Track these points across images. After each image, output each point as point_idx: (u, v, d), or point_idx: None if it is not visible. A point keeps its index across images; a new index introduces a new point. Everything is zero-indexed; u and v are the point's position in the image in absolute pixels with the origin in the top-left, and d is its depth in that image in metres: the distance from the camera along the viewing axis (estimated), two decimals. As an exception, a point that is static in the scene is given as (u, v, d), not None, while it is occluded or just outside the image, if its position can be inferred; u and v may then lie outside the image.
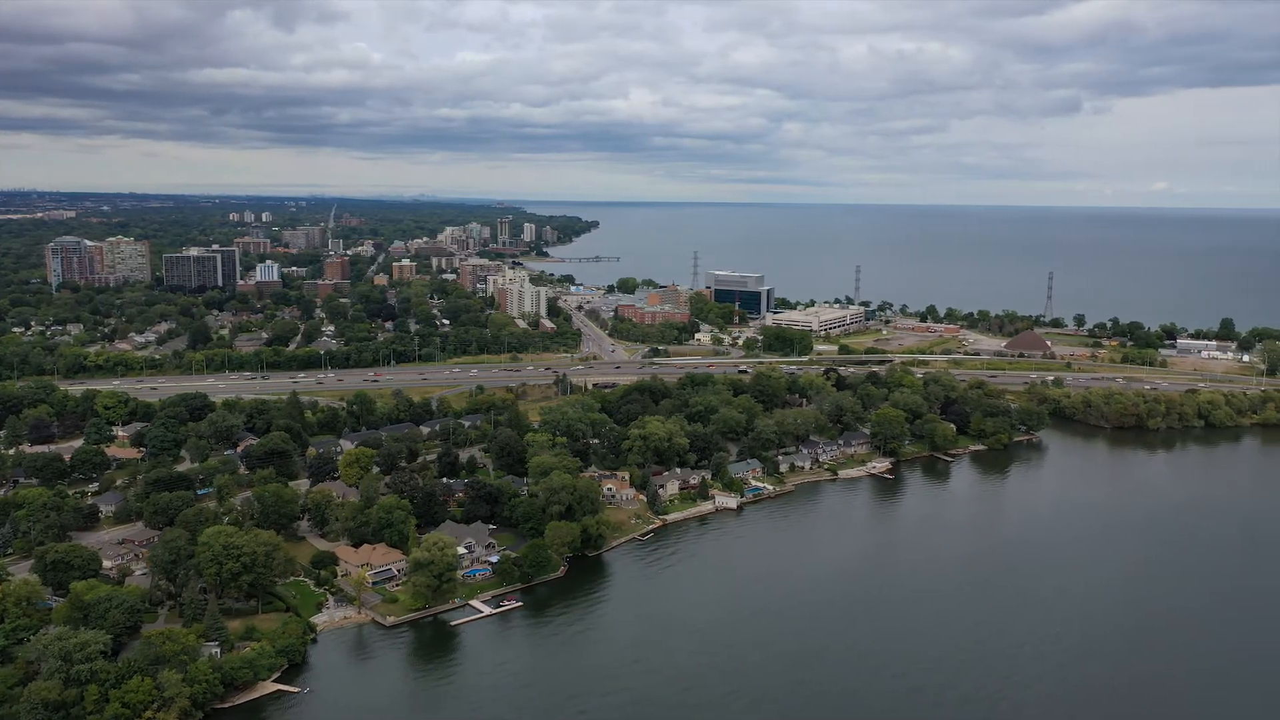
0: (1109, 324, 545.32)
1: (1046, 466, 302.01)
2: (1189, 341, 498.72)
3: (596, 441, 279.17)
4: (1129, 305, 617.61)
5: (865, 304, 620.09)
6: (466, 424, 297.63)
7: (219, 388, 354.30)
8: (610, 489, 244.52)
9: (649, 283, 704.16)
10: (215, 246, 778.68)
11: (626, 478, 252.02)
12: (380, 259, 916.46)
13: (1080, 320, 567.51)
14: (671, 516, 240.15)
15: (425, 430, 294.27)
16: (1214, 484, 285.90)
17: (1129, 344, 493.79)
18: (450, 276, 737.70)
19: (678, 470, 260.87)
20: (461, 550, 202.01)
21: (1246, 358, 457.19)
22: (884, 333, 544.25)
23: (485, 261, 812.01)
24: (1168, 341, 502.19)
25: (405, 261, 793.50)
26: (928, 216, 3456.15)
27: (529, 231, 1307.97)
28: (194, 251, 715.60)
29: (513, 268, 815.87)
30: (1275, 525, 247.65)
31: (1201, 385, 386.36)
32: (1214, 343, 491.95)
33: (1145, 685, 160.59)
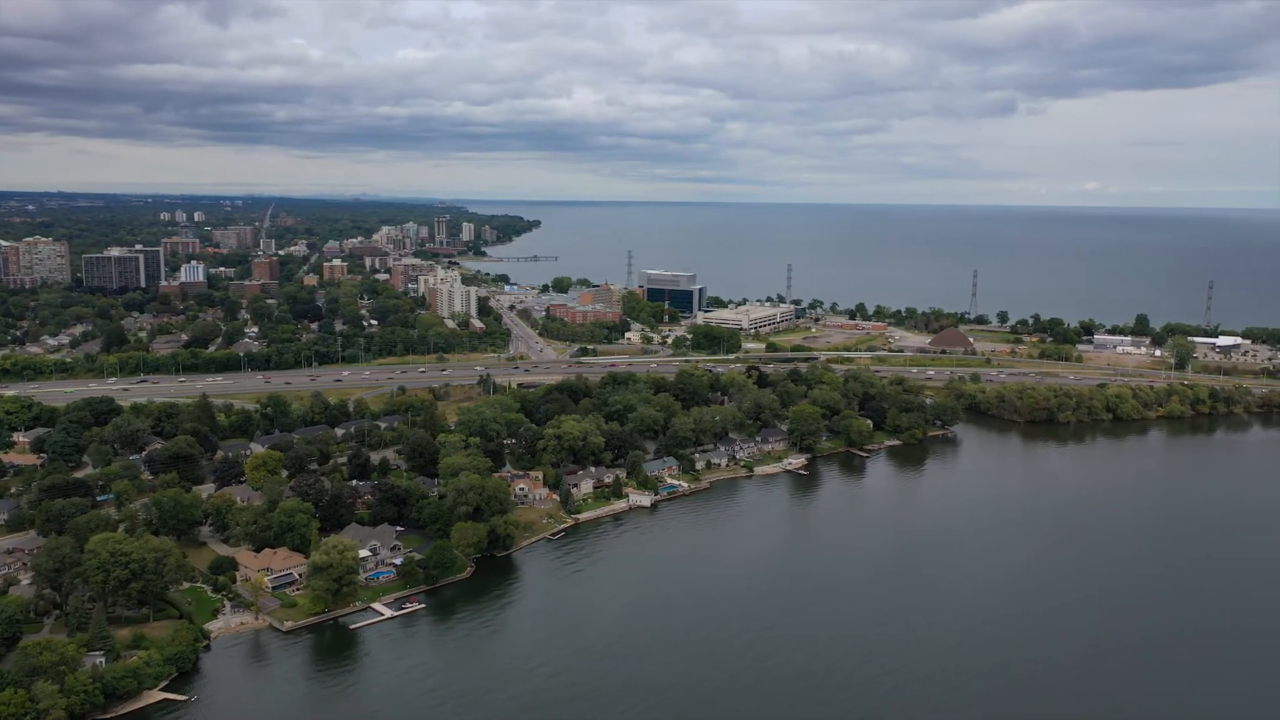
0: (1030, 320, 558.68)
1: (958, 460, 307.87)
2: (1105, 337, 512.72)
3: (513, 442, 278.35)
4: (1052, 302, 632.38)
5: (796, 302, 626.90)
6: (383, 425, 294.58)
7: (144, 391, 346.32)
8: (523, 489, 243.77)
9: (584, 282, 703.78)
10: (139, 246, 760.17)
11: (540, 477, 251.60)
12: (313, 259, 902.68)
13: (1004, 317, 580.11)
14: (584, 515, 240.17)
15: (340, 432, 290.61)
16: (1117, 475, 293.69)
17: (1049, 340, 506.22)
18: (383, 277, 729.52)
19: (592, 469, 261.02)
20: (365, 553, 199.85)
21: (1158, 353, 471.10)
22: (813, 330, 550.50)
23: (418, 261, 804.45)
24: (1086, 337, 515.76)
25: (336, 262, 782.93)
26: (868, 215, 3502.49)
27: (468, 231, 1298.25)
28: (115, 252, 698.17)
29: (448, 268, 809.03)
30: (1173, 515, 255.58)
31: (1114, 380, 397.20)
32: (1129, 338, 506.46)
33: (1042, 671, 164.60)
